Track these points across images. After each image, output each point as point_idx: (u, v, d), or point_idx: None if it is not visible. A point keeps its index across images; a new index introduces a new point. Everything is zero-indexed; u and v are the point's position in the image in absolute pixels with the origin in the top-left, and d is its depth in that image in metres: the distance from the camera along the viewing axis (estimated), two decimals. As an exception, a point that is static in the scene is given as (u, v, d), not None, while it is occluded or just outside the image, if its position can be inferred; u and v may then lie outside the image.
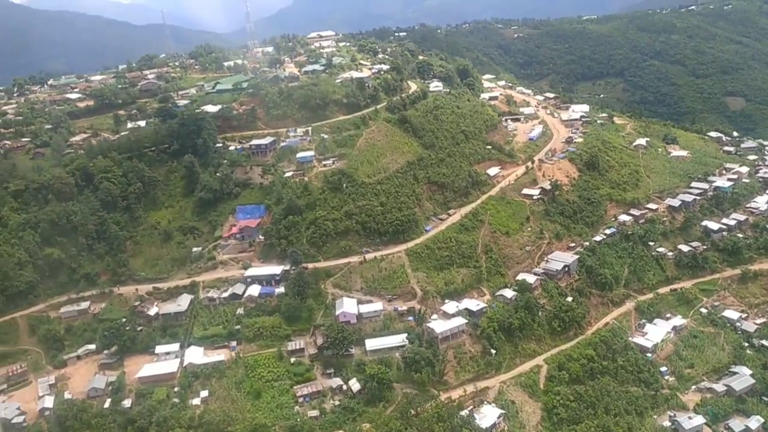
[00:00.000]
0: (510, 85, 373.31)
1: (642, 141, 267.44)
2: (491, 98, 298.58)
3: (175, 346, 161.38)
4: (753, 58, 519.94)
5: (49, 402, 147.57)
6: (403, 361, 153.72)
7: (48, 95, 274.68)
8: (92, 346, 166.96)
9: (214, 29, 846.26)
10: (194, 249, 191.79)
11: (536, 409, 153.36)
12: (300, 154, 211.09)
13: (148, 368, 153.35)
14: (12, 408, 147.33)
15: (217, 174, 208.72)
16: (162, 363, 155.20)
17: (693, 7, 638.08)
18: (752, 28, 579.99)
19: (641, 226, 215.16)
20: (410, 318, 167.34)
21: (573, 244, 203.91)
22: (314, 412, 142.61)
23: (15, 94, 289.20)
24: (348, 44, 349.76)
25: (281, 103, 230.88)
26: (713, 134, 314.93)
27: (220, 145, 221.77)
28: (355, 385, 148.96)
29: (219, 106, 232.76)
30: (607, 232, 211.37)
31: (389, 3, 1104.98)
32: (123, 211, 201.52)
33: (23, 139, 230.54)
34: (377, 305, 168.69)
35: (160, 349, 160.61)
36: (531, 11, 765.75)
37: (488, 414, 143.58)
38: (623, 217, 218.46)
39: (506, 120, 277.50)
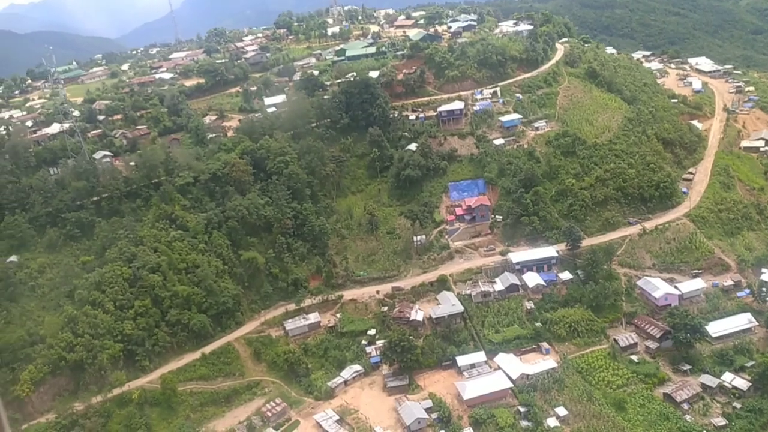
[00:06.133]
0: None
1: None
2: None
3: (479, 356, 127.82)
4: (695, 28, 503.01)
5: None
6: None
7: (134, 78, 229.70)
8: (358, 367, 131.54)
9: (103, 35, 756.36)
10: (416, 238, 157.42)
11: None
12: (504, 118, 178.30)
13: (472, 387, 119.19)
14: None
15: (409, 148, 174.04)
16: (484, 379, 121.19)
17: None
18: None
19: None
20: (743, 293, 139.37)
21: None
22: (719, 420, 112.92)
23: (16, 92, 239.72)
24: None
25: (455, 62, 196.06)
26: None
27: (396, 114, 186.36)
28: (736, 381, 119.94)
29: (376, 72, 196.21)
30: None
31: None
32: (310, 200, 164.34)
33: (139, 127, 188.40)
34: (697, 283, 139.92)
35: (462, 361, 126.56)
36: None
37: None
38: None
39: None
